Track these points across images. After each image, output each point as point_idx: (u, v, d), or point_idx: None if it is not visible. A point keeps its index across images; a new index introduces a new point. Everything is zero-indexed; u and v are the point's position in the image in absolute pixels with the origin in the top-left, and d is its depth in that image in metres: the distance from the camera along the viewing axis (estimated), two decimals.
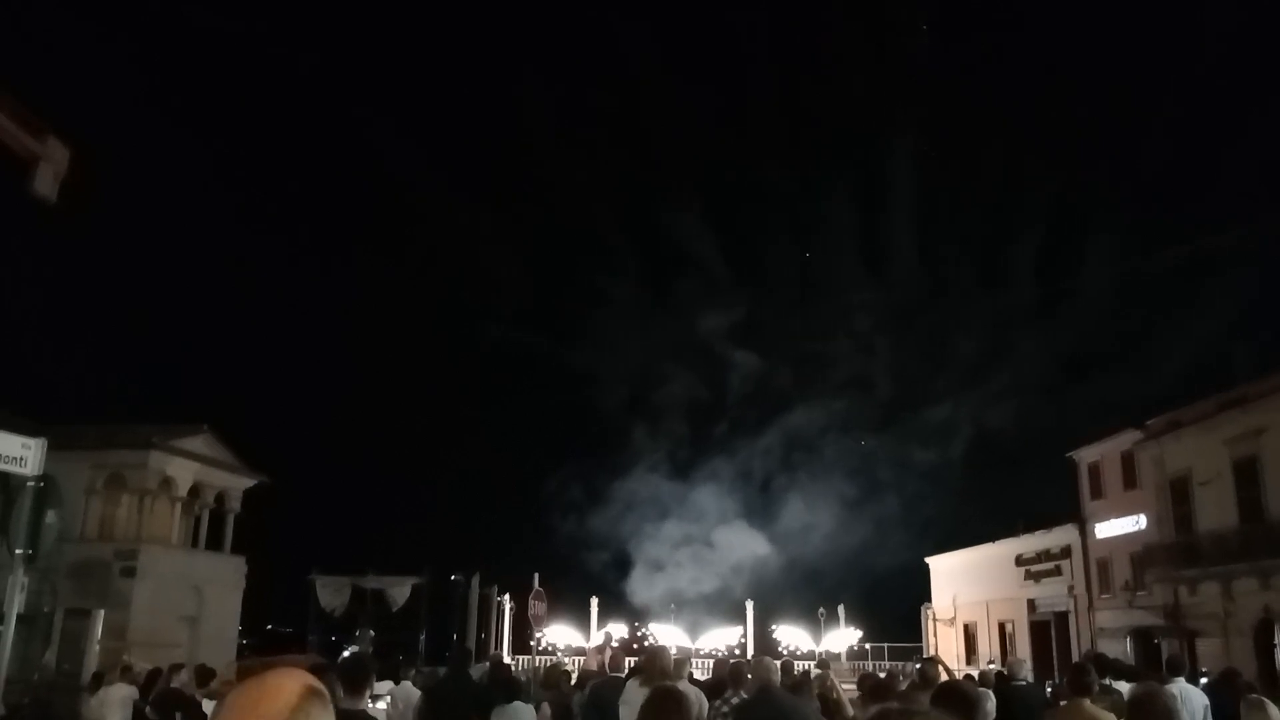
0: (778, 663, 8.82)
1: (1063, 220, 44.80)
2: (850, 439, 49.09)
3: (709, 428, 52.21)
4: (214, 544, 35.60)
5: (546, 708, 11.09)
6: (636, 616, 41.70)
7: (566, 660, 32.24)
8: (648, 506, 48.90)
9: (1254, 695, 8.15)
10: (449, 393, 54.46)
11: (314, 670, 5.82)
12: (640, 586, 43.60)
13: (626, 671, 10.17)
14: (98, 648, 18.56)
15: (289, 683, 1.96)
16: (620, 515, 49.13)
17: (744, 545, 45.73)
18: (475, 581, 34.11)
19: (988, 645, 42.94)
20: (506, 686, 10.75)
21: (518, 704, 10.09)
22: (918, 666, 10.20)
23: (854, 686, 12.47)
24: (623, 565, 45.73)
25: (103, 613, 19.53)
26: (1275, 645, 28.02)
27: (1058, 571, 40.22)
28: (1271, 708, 7.21)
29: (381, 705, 11.25)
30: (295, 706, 1.89)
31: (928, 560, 48.83)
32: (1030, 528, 42.39)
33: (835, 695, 8.83)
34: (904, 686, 9.16)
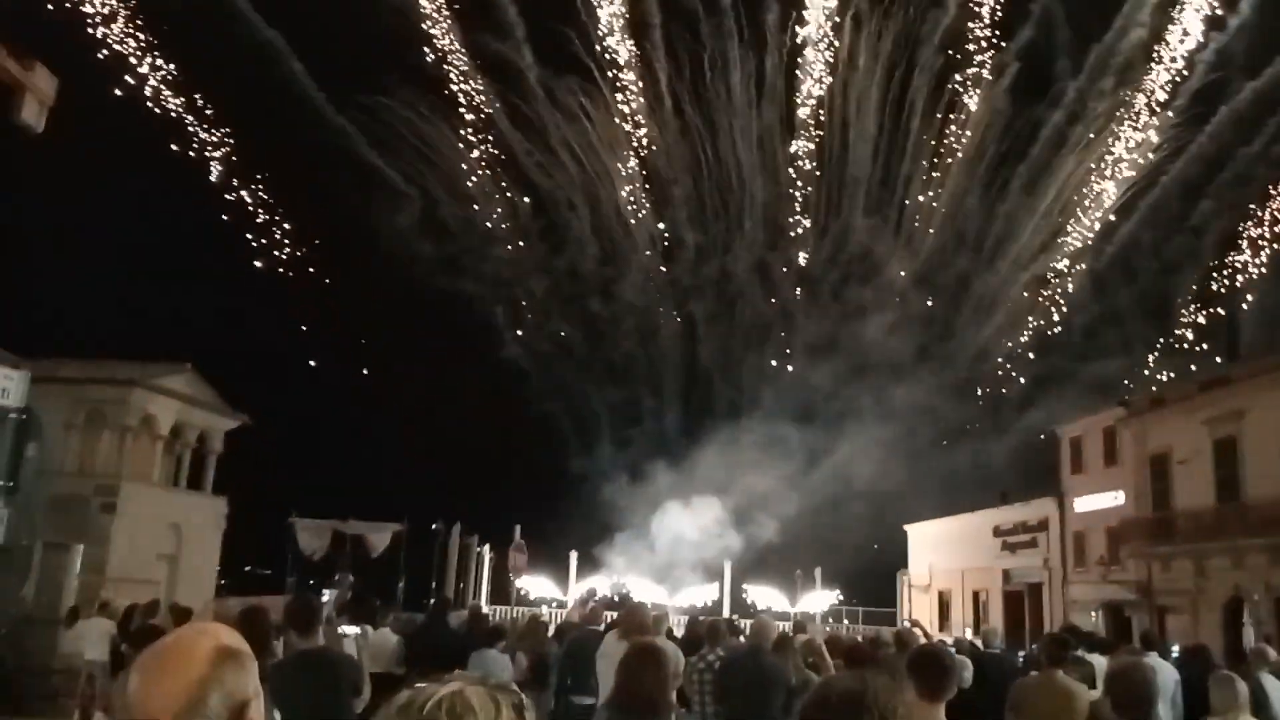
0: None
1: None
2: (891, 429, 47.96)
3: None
4: (195, 484, 35.57)
5: (522, 658, 11.17)
6: (616, 572, 41.82)
7: (544, 612, 32.39)
8: (634, 463, 48.81)
9: (1223, 672, 8.20)
10: (442, 339, 54.03)
11: (252, 614, 5.91)
12: (621, 543, 43.61)
13: (604, 626, 10.22)
14: (76, 583, 18.54)
15: (199, 647, 1.78)
16: (607, 470, 49.08)
17: (731, 503, 45.59)
18: (456, 531, 34.22)
19: (961, 613, 43.40)
20: (484, 635, 10.81)
21: (494, 652, 10.16)
22: (896, 631, 10.29)
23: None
24: (605, 522, 45.66)
25: (81, 548, 19.48)
26: (1243, 623, 28.42)
27: (1034, 543, 40.65)
28: (1240, 684, 7.26)
29: (350, 632, 11.23)
30: (208, 677, 1.74)
31: (906, 527, 49.18)
32: (1009, 499, 42.79)
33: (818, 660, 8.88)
34: (882, 652, 9.24)
